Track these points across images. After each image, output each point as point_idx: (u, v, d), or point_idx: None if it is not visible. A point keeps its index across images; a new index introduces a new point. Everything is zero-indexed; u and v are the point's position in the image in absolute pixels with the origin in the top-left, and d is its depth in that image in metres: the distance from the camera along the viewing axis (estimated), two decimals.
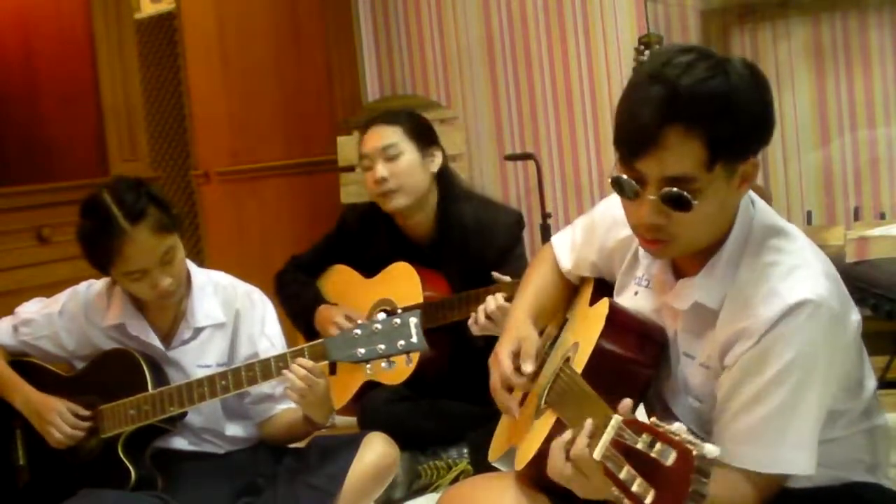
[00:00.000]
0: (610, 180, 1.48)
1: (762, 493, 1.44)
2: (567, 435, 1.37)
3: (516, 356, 1.74)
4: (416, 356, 2.12)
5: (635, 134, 1.42)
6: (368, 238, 2.98)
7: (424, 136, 2.85)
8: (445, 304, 2.72)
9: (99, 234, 2.15)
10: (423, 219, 2.87)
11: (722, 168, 1.41)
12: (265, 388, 2.28)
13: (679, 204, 1.41)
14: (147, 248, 2.15)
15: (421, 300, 2.77)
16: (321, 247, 3.10)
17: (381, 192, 2.78)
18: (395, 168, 2.76)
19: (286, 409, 2.35)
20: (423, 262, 2.87)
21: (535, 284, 1.90)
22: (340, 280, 3.05)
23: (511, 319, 1.84)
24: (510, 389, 1.72)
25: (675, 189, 1.40)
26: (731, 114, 1.39)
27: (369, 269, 2.97)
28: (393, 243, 2.92)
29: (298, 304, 2.97)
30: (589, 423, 1.31)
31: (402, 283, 2.85)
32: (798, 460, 1.43)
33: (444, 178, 2.87)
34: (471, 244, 2.81)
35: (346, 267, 3.04)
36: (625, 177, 1.45)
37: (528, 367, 1.70)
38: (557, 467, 1.36)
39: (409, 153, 2.79)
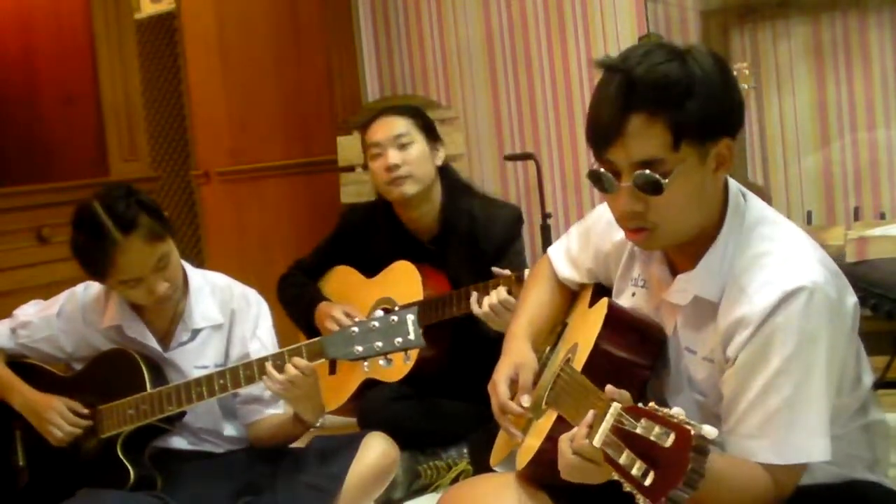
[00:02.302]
0: (588, 175, 1.51)
1: (782, 484, 1.44)
2: (573, 431, 1.36)
3: (514, 383, 1.75)
4: (413, 353, 2.13)
5: (601, 126, 1.46)
6: (369, 237, 3.00)
7: (431, 130, 2.93)
8: (444, 299, 2.73)
9: (92, 247, 2.15)
10: (427, 210, 2.91)
11: (690, 148, 1.44)
12: (255, 389, 2.27)
13: (651, 187, 1.44)
14: (141, 258, 2.15)
15: (421, 297, 2.78)
16: (323, 249, 3.12)
17: (393, 178, 2.82)
18: (407, 156, 2.83)
19: (274, 415, 2.35)
20: (424, 259, 2.89)
21: (534, 302, 1.92)
22: (341, 281, 3.06)
23: (509, 343, 1.84)
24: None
25: (646, 171, 1.43)
26: (690, 96, 1.42)
27: (371, 268, 2.98)
28: (394, 240, 2.94)
29: (299, 304, 2.99)
30: (590, 413, 1.31)
31: (403, 281, 2.86)
32: (815, 447, 1.43)
33: (446, 173, 2.95)
34: (472, 238, 2.84)
35: (348, 267, 3.06)
36: (601, 169, 1.49)
37: (525, 402, 1.72)
38: (568, 462, 1.36)
39: (419, 143, 2.86)
